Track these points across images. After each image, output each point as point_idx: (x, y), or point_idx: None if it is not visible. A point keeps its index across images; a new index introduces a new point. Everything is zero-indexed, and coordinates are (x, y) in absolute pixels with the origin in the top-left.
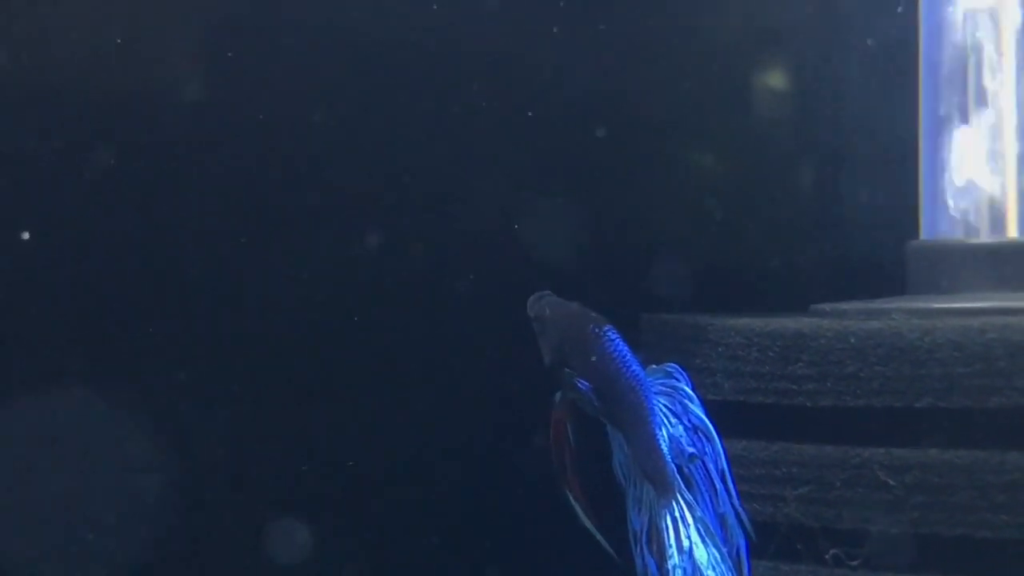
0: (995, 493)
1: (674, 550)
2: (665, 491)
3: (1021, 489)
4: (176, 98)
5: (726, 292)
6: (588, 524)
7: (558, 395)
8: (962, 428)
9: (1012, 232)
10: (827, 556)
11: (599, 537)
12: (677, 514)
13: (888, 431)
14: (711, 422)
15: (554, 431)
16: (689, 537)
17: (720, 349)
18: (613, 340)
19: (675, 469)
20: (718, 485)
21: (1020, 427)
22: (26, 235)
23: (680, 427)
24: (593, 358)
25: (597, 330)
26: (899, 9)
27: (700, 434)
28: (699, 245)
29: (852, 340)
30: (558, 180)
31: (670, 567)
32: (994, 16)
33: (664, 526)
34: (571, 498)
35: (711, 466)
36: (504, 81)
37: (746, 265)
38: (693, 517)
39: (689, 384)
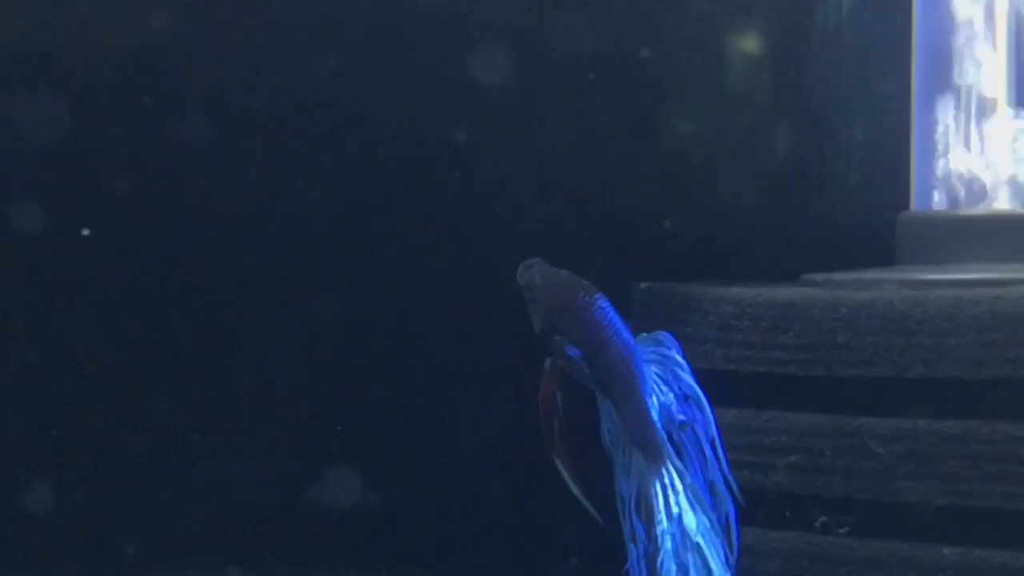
0: (985, 463)
1: (663, 516)
2: (655, 458)
3: (1011, 459)
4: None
5: (715, 262)
6: (575, 490)
7: (547, 362)
8: (953, 398)
9: (1003, 203)
10: (816, 524)
11: (586, 503)
12: (667, 481)
13: (879, 401)
14: (701, 390)
15: (543, 398)
16: (678, 503)
17: (711, 318)
18: (603, 308)
19: (665, 436)
20: (708, 453)
21: (1011, 398)
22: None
23: (670, 395)
24: (582, 326)
25: (587, 298)
26: None
27: (690, 402)
28: (688, 214)
29: (844, 310)
30: (545, 150)
31: (659, 533)
32: None
33: (653, 493)
34: (559, 464)
35: (701, 434)
36: (491, 47)
37: (735, 235)
38: (683, 484)
39: (680, 353)
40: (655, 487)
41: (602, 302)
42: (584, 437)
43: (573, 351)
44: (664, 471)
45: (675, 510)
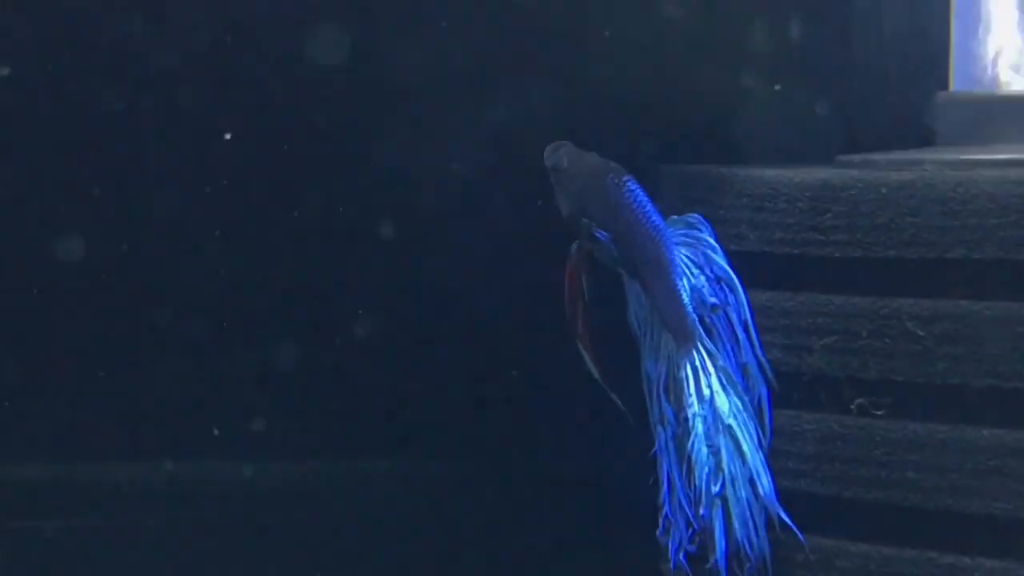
0: None
1: (694, 398)
2: (686, 340)
3: None
4: None
5: (748, 144)
6: (596, 375)
7: (574, 246)
8: (994, 279)
9: None
10: (852, 406)
11: (606, 388)
12: (698, 363)
13: (918, 282)
14: (734, 273)
15: (569, 282)
16: (710, 386)
17: (745, 200)
18: (633, 190)
19: (696, 319)
20: (740, 335)
21: None
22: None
23: (702, 277)
24: (611, 208)
25: (616, 179)
26: None
27: (723, 284)
28: (720, 95)
29: (884, 191)
30: (573, 34)
31: (690, 415)
32: None
33: (684, 375)
34: (581, 349)
35: (734, 316)
36: None
37: (768, 116)
38: (715, 366)
39: (712, 235)
40: (685, 369)
41: (631, 184)
42: (608, 322)
43: (601, 234)
44: (695, 353)
45: (706, 392)
